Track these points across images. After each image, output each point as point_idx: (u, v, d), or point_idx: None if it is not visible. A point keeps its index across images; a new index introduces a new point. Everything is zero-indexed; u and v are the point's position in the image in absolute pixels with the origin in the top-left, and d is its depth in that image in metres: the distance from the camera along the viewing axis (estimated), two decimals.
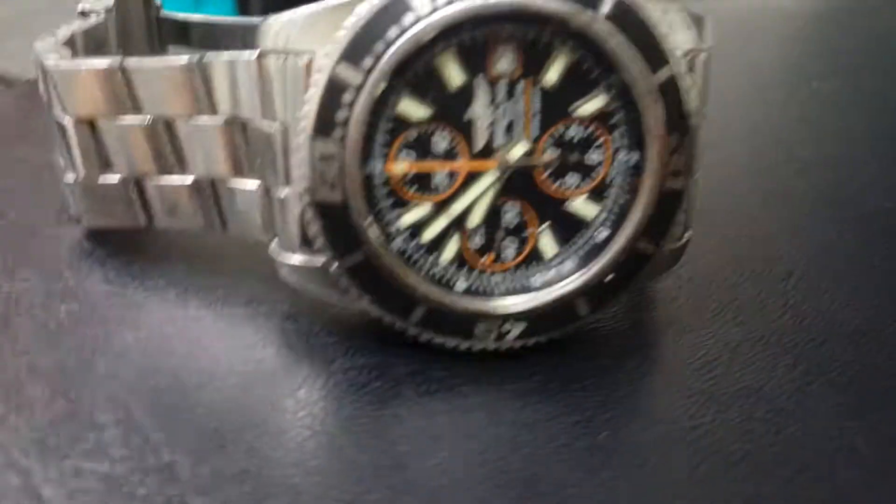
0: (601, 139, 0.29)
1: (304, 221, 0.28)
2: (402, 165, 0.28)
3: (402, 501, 0.24)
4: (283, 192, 0.29)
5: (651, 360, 0.31)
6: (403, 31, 0.25)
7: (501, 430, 0.27)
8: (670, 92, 0.27)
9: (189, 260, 0.35)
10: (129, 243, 0.35)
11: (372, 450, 0.26)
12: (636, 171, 0.29)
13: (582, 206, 0.29)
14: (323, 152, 0.27)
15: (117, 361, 0.29)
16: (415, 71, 0.27)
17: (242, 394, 0.28)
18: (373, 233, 0.28)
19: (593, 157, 0.29)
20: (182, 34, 0.48)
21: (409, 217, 0.28)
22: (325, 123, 0.26)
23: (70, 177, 0.33)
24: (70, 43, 0.35)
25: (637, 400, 0.29)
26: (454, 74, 0.27)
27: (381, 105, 0.27)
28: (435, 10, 0.25)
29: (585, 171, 0.29)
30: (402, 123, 0.27)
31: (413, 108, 0.27)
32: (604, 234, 0.29)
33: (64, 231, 0.36)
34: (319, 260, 0.28)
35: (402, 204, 0.28)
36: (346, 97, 0.26)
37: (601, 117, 0.28)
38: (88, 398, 0.27)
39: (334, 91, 0.26)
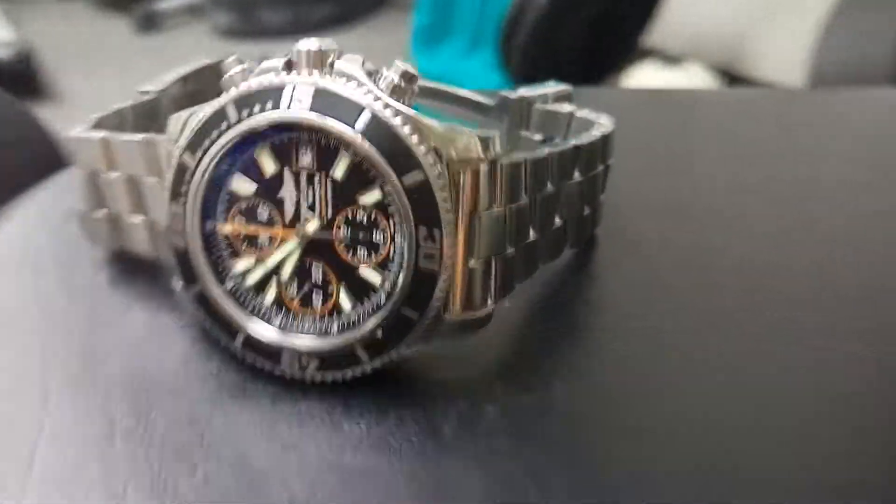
0: (382, 224, 0.36)
1: (169, 257, 0.39)
2: (229, 227, 0.38)
3: None
4: None
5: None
6: (220, 134, 0.36)
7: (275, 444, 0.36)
8: (421, 192, 0.35)
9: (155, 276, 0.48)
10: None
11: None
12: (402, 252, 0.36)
13: (370, 273, 0.37)
14: (174, 212, 0.38)
15: None
16: (242, 160, 0.37)
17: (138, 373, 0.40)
18: (205, 272, 0.38)
19: (377, 237, 0.37)
20: None
21: (240, 265, 0.39)
22: (175, 193, 0.38)
23: (76, 209, 0.48)
24: (119, 114, 0.50)
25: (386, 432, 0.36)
26: (268, 165, 0.37)
27: (216, 182, 0.37)
28: (240, 120, 0.36)
29: (372, 247, 0.37)
30: (235, 196, 0.38)
31: (241, 186, 0.37)
32: (382, 298, 0.37)
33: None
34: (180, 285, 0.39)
35: (236, 255, 0.38)
36: (187, 176, 0.37)
37: (380, 206, 0.36)
38: None
39: (181, 171, 0.37)
